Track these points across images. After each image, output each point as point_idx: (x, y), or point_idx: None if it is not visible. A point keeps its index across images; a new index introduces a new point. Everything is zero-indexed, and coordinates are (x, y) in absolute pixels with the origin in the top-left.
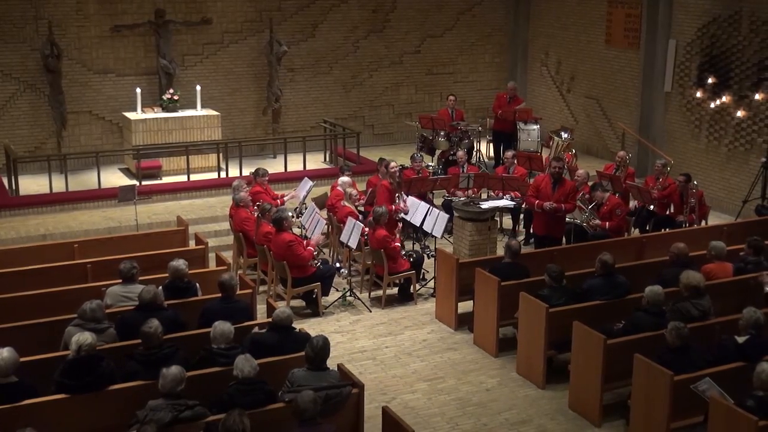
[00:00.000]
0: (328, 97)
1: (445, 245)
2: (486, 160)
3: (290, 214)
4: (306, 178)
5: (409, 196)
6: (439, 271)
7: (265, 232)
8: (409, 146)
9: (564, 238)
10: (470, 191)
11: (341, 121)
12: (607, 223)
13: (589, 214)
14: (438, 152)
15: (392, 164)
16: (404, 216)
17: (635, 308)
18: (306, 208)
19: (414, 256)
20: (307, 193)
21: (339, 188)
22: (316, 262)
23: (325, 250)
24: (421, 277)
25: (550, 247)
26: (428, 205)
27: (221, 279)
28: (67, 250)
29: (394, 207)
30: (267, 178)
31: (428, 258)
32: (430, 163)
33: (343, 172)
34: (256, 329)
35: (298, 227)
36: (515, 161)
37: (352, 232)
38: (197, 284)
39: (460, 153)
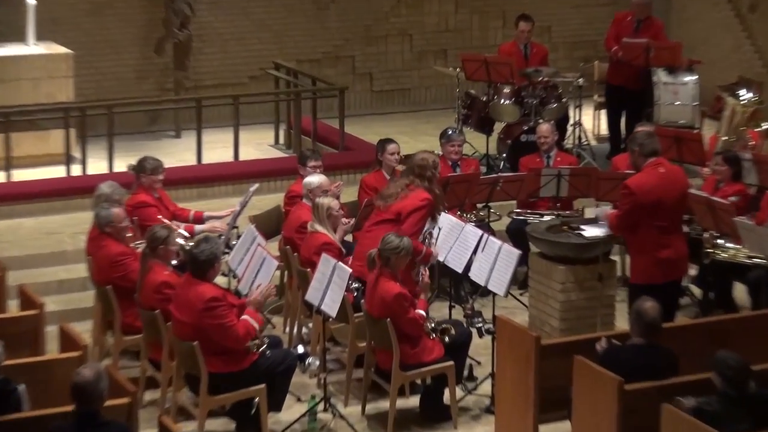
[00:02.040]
0: (283, 22)
1: (513, 310)
2: (593, 141)
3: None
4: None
5: (443, 213)
6: (502, 363)
7: (159, 284)
8: (441, 115)
9: (749, 296)
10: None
11: (310, 66)
12: None
13: None
14: (500, 126)
15: (392, 147)
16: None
17: None
18: (239, 237)
19: (451, 331)
20: (242, 206)
21: (304, 199)
22: (257, 343)
23: (276, 320)
24: (466, 374)
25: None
26: (479, 232)
27: (77, 379)
28: None
29: (425, 249)
30: (161, 177)
31: (480, 336)
32: (481, 153)
33: (306, 164)
34: None
35: (223, 273)
36: None
37: (330, 285)
38: (22, 388)
39: (544, 127)
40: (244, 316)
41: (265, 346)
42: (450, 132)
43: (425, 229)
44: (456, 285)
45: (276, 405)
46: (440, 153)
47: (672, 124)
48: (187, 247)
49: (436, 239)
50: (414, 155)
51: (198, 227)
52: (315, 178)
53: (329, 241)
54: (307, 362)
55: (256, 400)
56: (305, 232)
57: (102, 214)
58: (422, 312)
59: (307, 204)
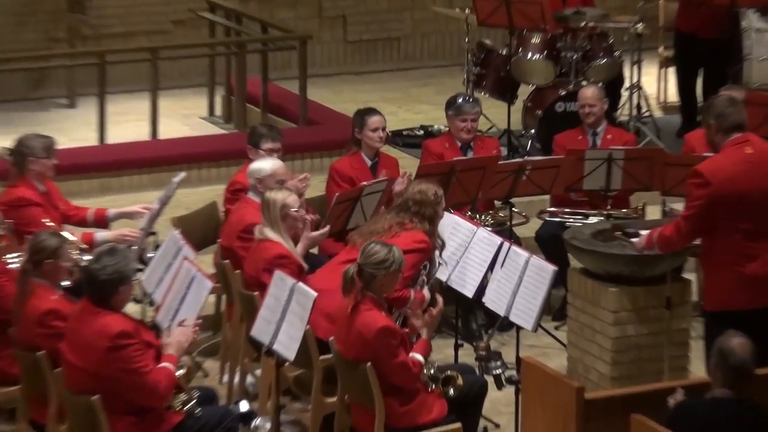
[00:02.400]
0: None
1: (545, 350)
2: (658, 111)
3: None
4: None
5: (448, 212)
6: (530, 424)
7: (45, 313)
8: (443, 75)
9: None
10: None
11: (258, 6)
12: None
13: None
14: (526, 91)
15: (374, 120)
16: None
17: None
18: (158, 247)
19: (458, 381)
20: (162, 204)
21: (249, 193)
22: (183, 398)
23: (209, 365)
24: None
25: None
26: (497, 240)
27: None
28: None
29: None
30: (53, 161)
31: (500, 387)
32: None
33: (259, 146)
34: None
35: (135, 299)
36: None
37: (286, 315)
38: None
39: (589, 92)
40: (165, 363)
41: (194, 401)
42: (460, 101)
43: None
44: (465, 315)
45: None
46: (445, 128)
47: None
48: (84, 262)
49: (428, 280)
50: (410, 187)
51: (100, 234)
52: (266, 163)
53: (284, 252)
54: (253, 424)
55: None
56: (251, 240)
57: None
58: (419, 357)
59: (254, 200)
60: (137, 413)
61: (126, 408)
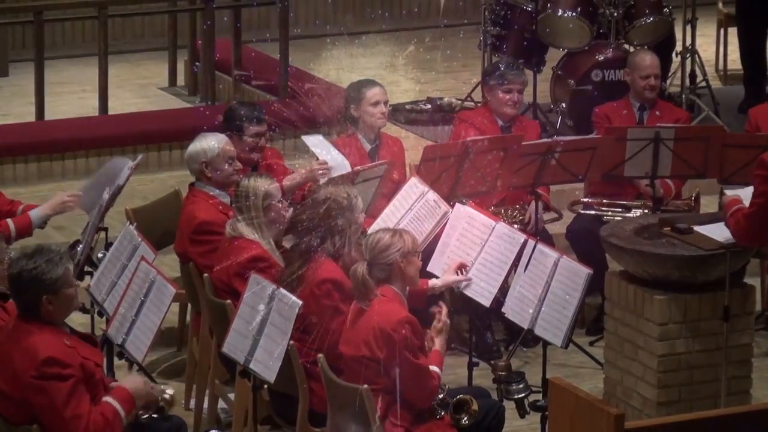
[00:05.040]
0: None
1: (577, 369)
2: (716, 81)
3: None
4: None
5: (461, 204)
6: None
7: None
8: (456, 36)
9: None
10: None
11: None
12: None
13: None
14: (556, 56)
15: (374, 93)
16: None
17: None
18: (109, 246)
19: (472, 407)
20: (113, 194)
21: (196, 185)
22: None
23: (172, 387)
24: None
25: None
26: (521, 237)
27: None
28: None
29: None
30: None
31: (522, 414)
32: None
33: (243, 131)
34: None
35: (83, 308)
36: None
37: (266, 327)
38: None
39: (649, 59)
40: (108, 399)
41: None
42: (503, 67)
43: None
44: (480, 328)
45: None
46: (457, 101)
47: None
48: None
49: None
50: (315, 193)
51: (35, 214)
52: (210, 140)
53: (262, 254)
54: None
55: None
56: (207, 242)
57: None
58: (437, 369)
59: (204, 191)
60: None
61: None
